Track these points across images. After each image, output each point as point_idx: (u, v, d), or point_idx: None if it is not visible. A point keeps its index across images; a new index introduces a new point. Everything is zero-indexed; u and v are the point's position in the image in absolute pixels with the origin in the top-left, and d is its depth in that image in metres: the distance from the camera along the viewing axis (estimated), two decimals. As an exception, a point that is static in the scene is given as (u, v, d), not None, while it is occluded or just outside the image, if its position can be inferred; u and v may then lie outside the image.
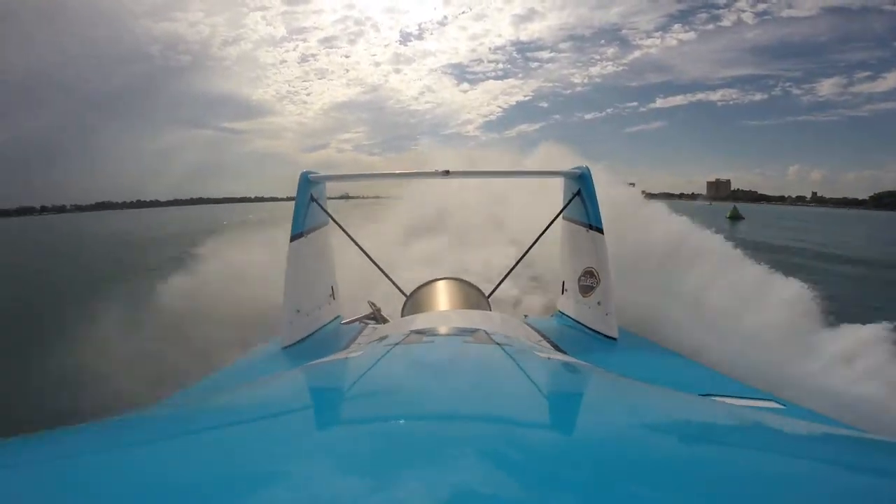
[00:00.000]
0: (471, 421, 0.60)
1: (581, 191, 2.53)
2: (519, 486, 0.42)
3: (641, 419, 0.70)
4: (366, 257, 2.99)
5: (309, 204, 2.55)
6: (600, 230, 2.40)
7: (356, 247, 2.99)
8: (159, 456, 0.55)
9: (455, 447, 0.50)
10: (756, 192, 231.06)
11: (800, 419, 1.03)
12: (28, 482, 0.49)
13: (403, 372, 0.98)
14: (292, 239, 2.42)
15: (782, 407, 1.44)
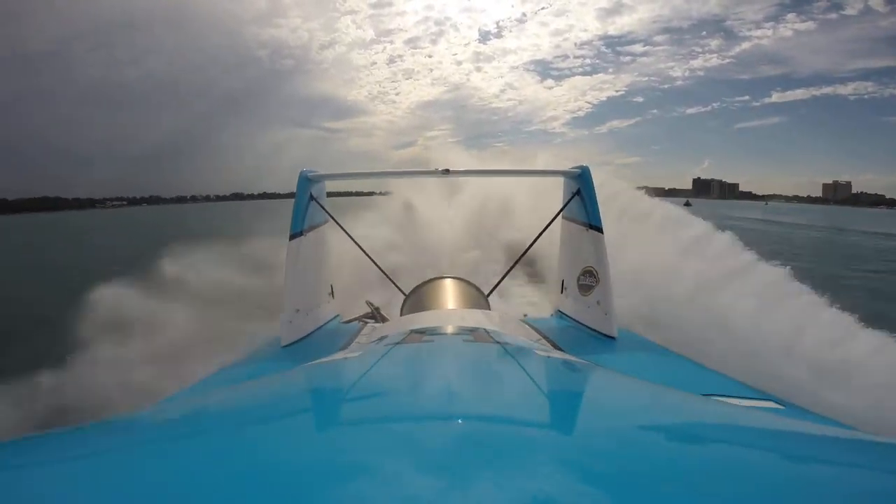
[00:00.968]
0: (471, 420, 0.60)
1: (581, 190, 2.46)
2: (520, 485, 0.42)
3: (641, 418, 0.70)
4: (367, 257, 3.00)
5: (308, 203, 2.52)
6: (600, 230, 2.35)
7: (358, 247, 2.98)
8: (160, 455, 0.55)
9: (456, 446, 0.50)
10: (884, 196, 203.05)
11: (799, 420, 1.04)
12: (28, 482, 0.49)
13: (404, 371, 0.98)
14: (291, 237, 2.38)
15: (781, 407, 1.42)
